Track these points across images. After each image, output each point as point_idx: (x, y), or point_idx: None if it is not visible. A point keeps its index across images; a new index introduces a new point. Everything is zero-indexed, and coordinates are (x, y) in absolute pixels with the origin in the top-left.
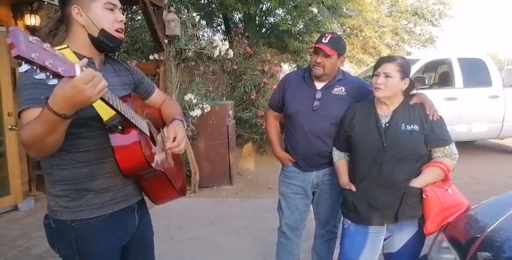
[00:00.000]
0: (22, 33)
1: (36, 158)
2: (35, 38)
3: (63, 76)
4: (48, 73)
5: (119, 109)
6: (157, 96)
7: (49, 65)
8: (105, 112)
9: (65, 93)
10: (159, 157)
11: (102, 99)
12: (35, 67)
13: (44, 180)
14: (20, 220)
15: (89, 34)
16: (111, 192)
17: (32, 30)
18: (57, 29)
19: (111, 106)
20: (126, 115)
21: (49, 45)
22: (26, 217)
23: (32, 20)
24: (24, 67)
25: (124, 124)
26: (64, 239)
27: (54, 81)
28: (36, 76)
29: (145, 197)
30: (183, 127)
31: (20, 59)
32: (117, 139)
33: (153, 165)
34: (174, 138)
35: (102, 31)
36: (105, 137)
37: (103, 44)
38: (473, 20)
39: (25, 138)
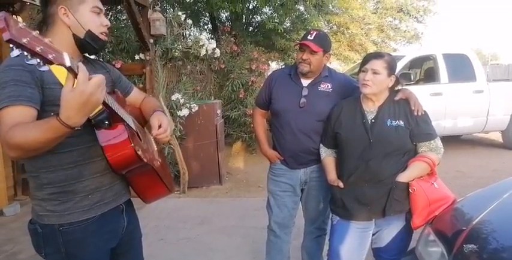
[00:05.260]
0: (12, 19)
1: (17, 159)
2: (24, 23)
3: (53, 63)
4: (39, 60)
5: (107, 101)
6: (135, 95)
7: (40, 51)
8: None
9: (76, 102)
10: (146, 152)
11: None
12: (25, 53)
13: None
14: (6, 225)
15: (74, 34)
16: (99, 192)
17: None
18: (40, 30)
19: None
20: (113, 108)
21: (38, 32)
22: (12, 222)
23: None
24: (16, 52)
25: (111, 119)
26: (52, 244)
27: (45, 68)
28: (28, 62)
29: (133, 199)
30: (165, 116)
31: (12, 43)
32: (104, 135)
33: (143, 158)
34: (160, 126)
35: (89, 32)
36: (91, 135)
37: (88, 45)
38: (457, 16)
39: (17, 140)
